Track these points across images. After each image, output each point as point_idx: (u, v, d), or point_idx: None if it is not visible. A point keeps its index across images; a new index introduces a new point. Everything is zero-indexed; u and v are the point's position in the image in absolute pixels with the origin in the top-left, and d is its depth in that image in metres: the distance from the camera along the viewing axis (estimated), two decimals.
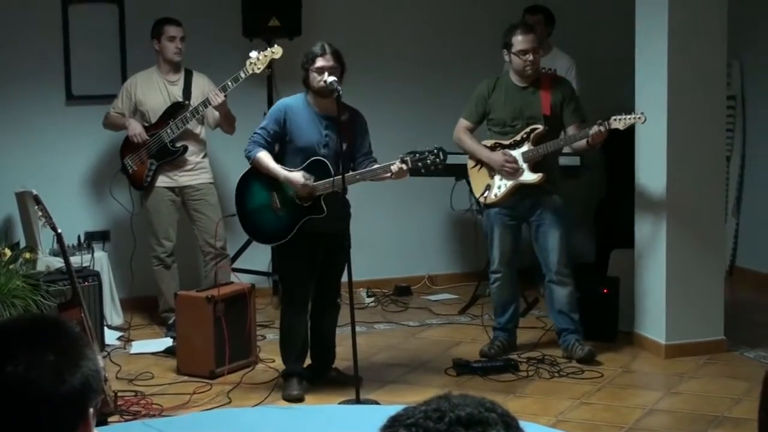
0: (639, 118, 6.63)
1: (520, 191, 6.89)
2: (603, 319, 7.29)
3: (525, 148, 6.86)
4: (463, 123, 7.13)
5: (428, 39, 9.17)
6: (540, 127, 6.84)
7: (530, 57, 6.86)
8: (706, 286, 7.07)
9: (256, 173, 6.25)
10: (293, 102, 6.21)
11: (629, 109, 6.99)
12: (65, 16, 8.23)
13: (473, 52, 9.14)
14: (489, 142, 7.02)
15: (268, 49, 7.22)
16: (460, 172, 8.13)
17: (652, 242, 7.08)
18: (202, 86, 7.74)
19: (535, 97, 6.92)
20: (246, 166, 6.35)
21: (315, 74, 6.02)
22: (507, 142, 6.92)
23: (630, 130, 6.89)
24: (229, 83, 7.44)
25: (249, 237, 6.59)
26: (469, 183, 7.40)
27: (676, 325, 7.01)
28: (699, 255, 7.03)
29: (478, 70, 9.05)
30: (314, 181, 6.09)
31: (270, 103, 8.22)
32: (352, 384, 6.11)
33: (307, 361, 6.48)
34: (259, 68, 7.26)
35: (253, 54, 7.21)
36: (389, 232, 9.06)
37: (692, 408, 6.05)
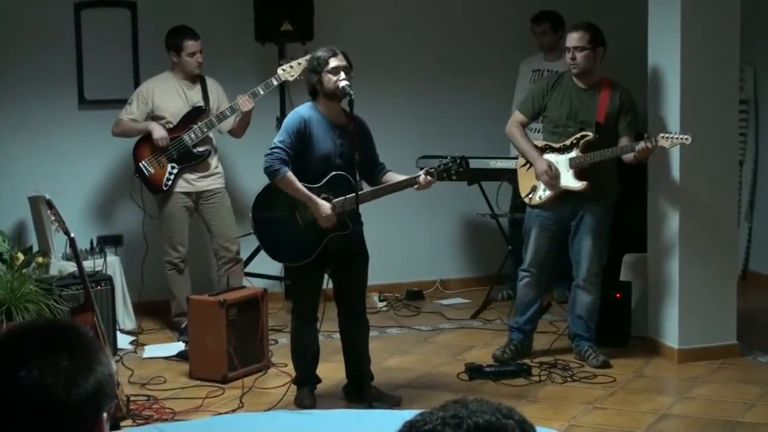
0: (686, 139, 6.52)
1: (564, 197, 6.86)
2: (615, 324, 7.29)
3: (573, 154, 6.80)
4: (518, 116, 7.05)
5: (439, 45, 9.16)
6: (590, 134, 6.77)
7: (569, 54, 6.84)
8: (718, 291, 7.05)
9: (274, 192, 6.03)
10: (308, 111, 6.01)
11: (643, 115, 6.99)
12: (78, 21, 8.25)
13: (484, 58, 9.15)
14: (540, 143, 6.97)
15: (302, 57, 7.25)
16: (473, 178, 8.16)
17: (665, 246, 7.07)
18: (217, 92, 7.78)
19: (592, 102, 6.85)
20: (254, 174, 6.22)
21: (330, 75, 5.89)
22: (557, 146, 6.86)
23: (643, 134, 6.88)
24: (260, 89, 7.47)
25: (272, 258, 6.39)
26: (516, 181, 7.29)
27: (688, 330, 6.99)
28: (712, 259, 7.02)
29: (489, 76, 9.10)
30: (337, 196, 5.94)
31: (283, 109, 8.23)
32: (391, 403, 6.10)
33: (343, 380, 6.39)
34: (292, 75, 7.30)
35: (286, 63, 7.32)
36: (401, 236, 9.04)
37: (705, 413, 6.04)
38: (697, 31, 6.87)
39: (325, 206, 5.91)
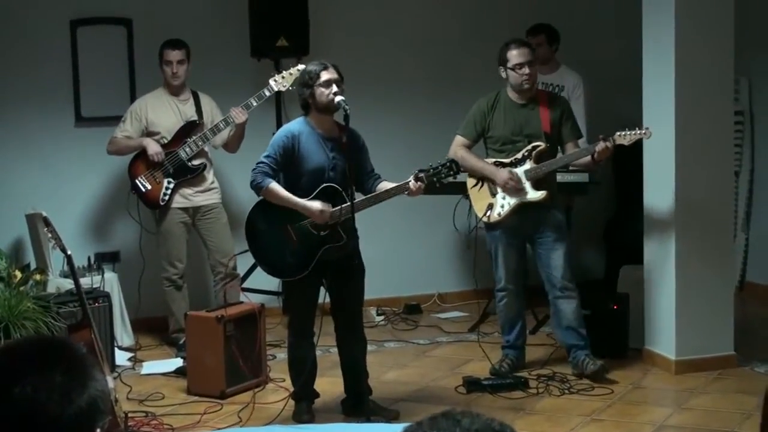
0: (644, 133, 6.60)
1: (522, 209, 6.86)
2: (613, 336, 7.29)
3: (527, 165, 6.83)
4: (461, 140, 7.03)
5: (434, 58, 9.19)
6: (542, 144, 6.82)
7: (526, 70, 6.82)
8: (715, 302, 7.06)
9: (265, 207, 6.05)
10: (298, 127, 6.02)
11: (638, 125, 7.02)
12: (74, 38, 8.27)
13: (479, 71, 9.13)
14: (489, 161, 6.97)
15: (293, 67, 7.25)
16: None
17: (662, 258, 7.07)
18: (210, 106, 7.80)
19: (534, 114, 6.89)
20: (251, 189, 6.21)
21: (322, 89, 5.90)
22: (508, 160, 6.88)
23: (638, 147, 6.90)
24: (253, 101, 7.47)
25: (268, 274, 6.36)
26: (469, 202, 7.29)
27: (686, 341, 6.99)
28: (708, 270, 7.02)
29: (484, 89, 9.07)
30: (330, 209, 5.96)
31: (279, 124, 8.24)
32: (389, 417, 6.10)
33: (341, 395, 6.38)
34: (284, 86, 7.30)
35: (278, 74, 7.30)
36: (399, 250, 9.06)
37: (703, 424, 6.03)
38: (691, 42, 6.88)
39: (315, 204, 5.91)
